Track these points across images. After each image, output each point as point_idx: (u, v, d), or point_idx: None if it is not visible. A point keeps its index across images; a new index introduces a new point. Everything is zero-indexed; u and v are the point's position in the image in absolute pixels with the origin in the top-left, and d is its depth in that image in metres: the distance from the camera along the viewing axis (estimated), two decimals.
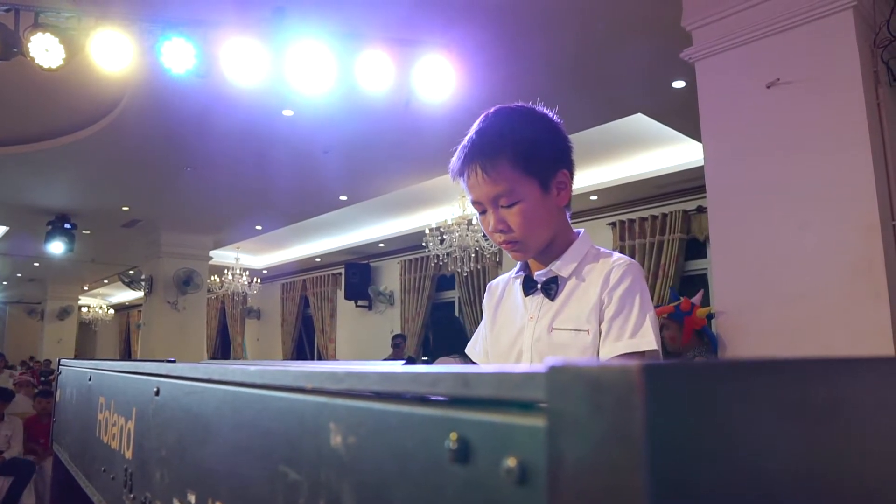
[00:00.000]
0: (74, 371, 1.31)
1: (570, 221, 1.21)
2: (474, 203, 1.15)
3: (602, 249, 1.19)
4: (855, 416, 0.24)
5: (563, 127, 1.17)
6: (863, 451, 0.24)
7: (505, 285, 1.28)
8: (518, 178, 1.09)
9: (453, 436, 0.25)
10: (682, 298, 4.25)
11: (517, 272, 1.23)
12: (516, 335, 1.18)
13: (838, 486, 0.23)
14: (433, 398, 0.27)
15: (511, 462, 0.23)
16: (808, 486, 0.21)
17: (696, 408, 0.19)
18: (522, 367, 0.23)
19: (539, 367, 0.22)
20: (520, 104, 1.17)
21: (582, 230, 1.21)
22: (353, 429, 0.32)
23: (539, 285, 1.17)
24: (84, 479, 1.04)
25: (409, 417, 0.28)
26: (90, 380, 1.10)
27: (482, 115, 1.16)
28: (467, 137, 1.13)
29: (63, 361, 1.50)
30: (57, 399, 1.52)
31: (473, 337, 1.34)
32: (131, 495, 0.74)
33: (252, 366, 0.45)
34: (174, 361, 0.87)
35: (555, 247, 1.17)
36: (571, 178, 1.17)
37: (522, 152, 1.09)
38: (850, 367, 0.24)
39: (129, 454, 0.77)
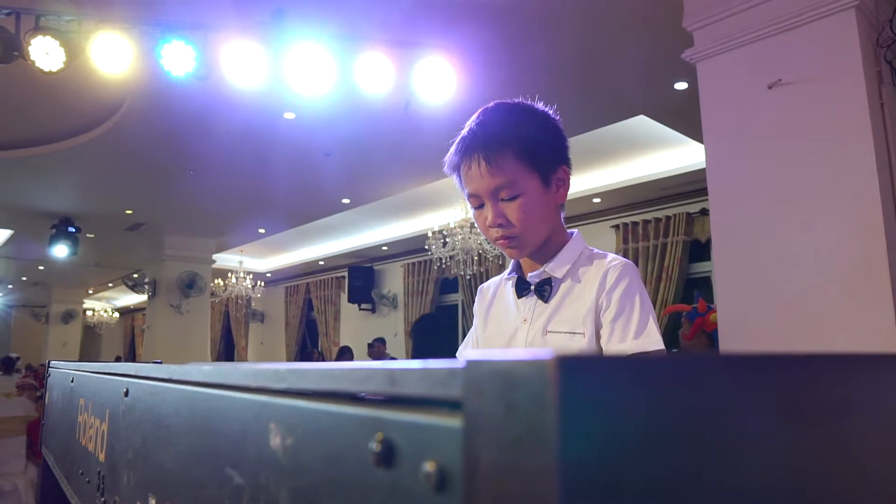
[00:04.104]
0: (61, 373, 1.30)
1: (563, 222, 1.19)
2: (471, 196, 1.11)
3: (595, 250, 1.17)
4: (826, 416, 0.22)
5: (561, 124, 1.15)
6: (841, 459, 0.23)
7: (496, 287, 1.26)
8: (521, 171, 1.06)
9: (378, 437, 0.24)
10: (700, 300, 4.42)
11: (509, 273, 1.21)
12: (510, 338, 1.16)
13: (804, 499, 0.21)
14: (366, 396, 0.26)
15: (430, 466, 0.21)
16: (761, 498, 0.19)
17: (623, 406, 0.17)
18: (446, 361, 0.21)
19: (458, 361, 0.20)
20: (519, 100, 1.15)
21: (575, 231, 1.19)
22: (291, 429, 0.30)
23: (532, 286, 1.14)
24: (65, 481, 1.03)
25: (341, 417, 0.27)
26: (72, 381, 1.09)
27: (481, 109, 1.13)
28: (466, 129, 1.11)
29: (52, 363, 1.48)
30: (46, 402, 1.50)
31: (463, 342, 1.32)
32: (102, 499, 0.72)
33: (207, 365, 0.43)
34: (160, 363, 0.86)
35: (549, 247, 1.14)
36: (569, 174, 1.15)
37: (527, 146, 1.07)
38: (812, 363, 0.22)
39: (102, 456, 0.76)
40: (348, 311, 10.92)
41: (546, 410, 0.16)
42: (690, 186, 6.05)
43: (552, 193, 1.11)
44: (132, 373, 0.66)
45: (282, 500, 0.30)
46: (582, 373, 0.17)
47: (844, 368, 0.24)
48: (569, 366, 0.17)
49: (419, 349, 3.95)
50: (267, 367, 0.33)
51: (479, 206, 1.11)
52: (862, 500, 0.23)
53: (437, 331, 4.06)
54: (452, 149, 1.12)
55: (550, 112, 1.15)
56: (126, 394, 0.66)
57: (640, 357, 0.18)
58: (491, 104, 1.14)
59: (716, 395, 0.19)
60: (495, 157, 1.06)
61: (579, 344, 1.07)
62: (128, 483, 0.62)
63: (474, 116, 1.13)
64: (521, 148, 1.07)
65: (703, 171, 3.26)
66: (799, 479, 0.21)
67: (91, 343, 18.00)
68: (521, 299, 1.16)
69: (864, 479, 0.23)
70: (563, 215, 1.18)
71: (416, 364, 0.22)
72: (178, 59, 3.44)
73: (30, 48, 3.31)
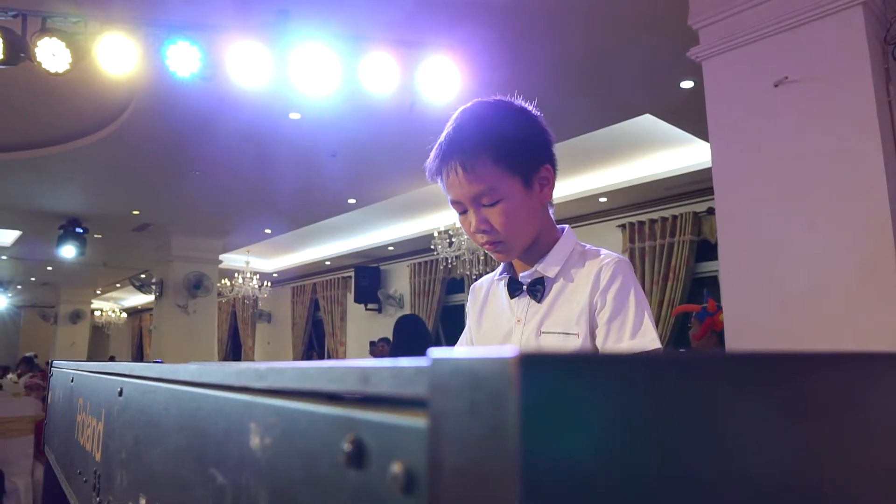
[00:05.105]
0: (63, 373, 1.30)
1: (553, 218, 1.16)
2: (453, 203, 1.09)
3: (588, 247, 1.14)
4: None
5: (542, 120, 1.12)
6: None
7: (489, 286, 1.24)
8: (500, 175, 1.04)
9: (350, 437, 0.23)
10: (710, 300, 4.40)
11: (501, 273, 1.19)
12: (504, 338, 1.14)
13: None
14: (341, 395, 0.25)
15: (397, 468, 0.20)
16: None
17: (589, 405, 0.16)
18: (416, 360, 0.21)
19: (426, 359, 0.20)
20: (497, 98, 1.11)
21: (566, 227, 1.17)
22: (269, 429, 0.30)
23: (525, 287, 1.13)
24: (65, 481, 1.03)
25: (316, 416, 0.26)
26: (72, 381, 1.09)
27: (458, 111, 1.10)
28: (443, 134, 1.08)
29: (55, 363, 1.48)
30: (49, 401, 1.51)
31: (458, 342, 1.30)
32: (98, 499, 0.72)
33: (194, 364, 0.43)
34: (160, 363, 0.86)
35: (539, 246, 1.12)
36: (554, 172, 1.12)
37: (503, 148, 1.04)
38: (792, 361, 0.22)
39: (98, 456, 0.76)
40: (355, 311, 10.94)
41: (508, 410, 0.16)
42: (697, 185, 6.02)
43: (536, 194, 1.09)
44: (126, 372, 0.66)
45: (260, 501, 0.30)
46: (546, 371, 0.16)
47: (833, 368, 0.23)
48: (532, 364, 0.16)
49: (397, 350, 4.00)
50: (248, 366, 0.33)
51: (462, 212, 1.10)
52: (864, 500, 0.23)
53: (418, 332, 4.09)
54: (431, 155, 1.09)
55: (531, 108, 1.11)
56: (120, 393, 0.66)
57: (607, 355, 0.17)
58: (469, 104, 1.11)
59: (691, 394, 0.18)
60: (472, 165, 1.03)
61: (573, 345, 1.06)
62: (121, 483, 0.61)
63: (451, 119, 1.09)
64: (499, 152, 1.04)
65: (709, 170, 3.24)
66: (790, 479, 0.21)
67: (99, 343, 18.09)
68: (513, 299, 1.15)
69: (865, 479, 0.23)
70: (552, 212, 1.16)
71: (387, 363, 0.22)
72: (183, 59, 3.45)
73: (36, 50, 3.32)
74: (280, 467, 0.29)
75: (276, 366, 0.30)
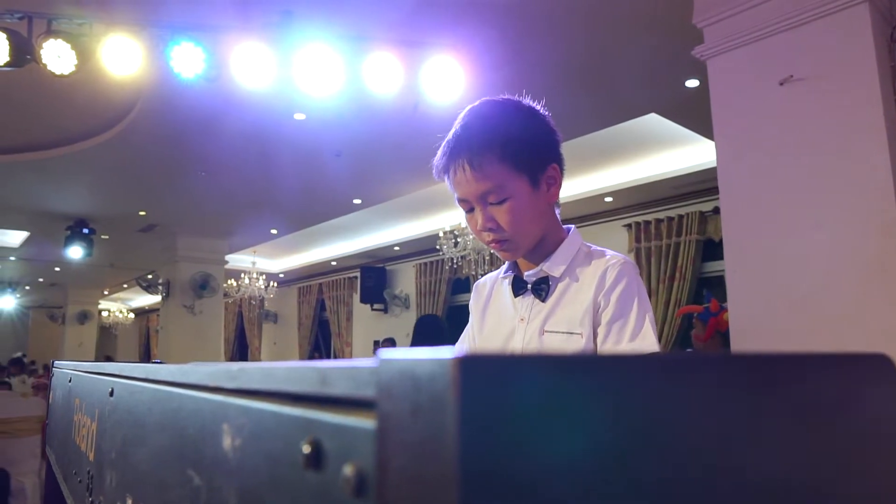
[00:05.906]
0: (62, 373, 1.30)
1: (559, 218, 1.17)
2: (460, 201, 1.09)
3: (594, 247, 1.14)
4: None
5: (550, 119, 1.12)
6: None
7: (492, 284, 1.24)
8: (507, 174, 1.04)
9: (308, 438, 0.23)
10: (713, 300, 4.37)
11: (505, 272, 1.19)
12: (507, 337, 1.14)
13: None
14: (304, 396, 0.25)
15: (349, 470, 0.20)
16: None
17: (534, 408, 0.16)
18: (368, 361, 0.20)
19: (373, 360, 0.19)
20: (505, 97, 1.11)
21: (572, 227, 1.17)
22: (239, 430, 0.30)
23: (529, 286, 1.13)
24: (63, 481, 1.03)
25: (280, 417, 0.26)
26: (70, 381, 1.09)
27: (466, 110, 1.10)
28: (451, 132, 1.08)
29: (56, 363, 1.49)
30: (50, 401, 1.52)
31: (460, 339, 1.30)
32: (90, 499, 0.72)
33: (176, 364, 0.43)
34: (160, 363, 0.86)
35: (545, 245, 1.12)
36: (561, 172, 1.12)
37: (511, 147, 1.04)
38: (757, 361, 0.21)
39: (91, 456, 0.76)
40: (360, 311, 10.95)
41: (447, 413, 0.16)
42: (703, 185, 5.99)
43: (543, 193, 1.09)
44: (116, 372, 0.66)
45: (230, 503, 0.30)
46: (487, 373, 0.16)
47: (832, 368, 0.23)
48: (472, 366, 0.16)
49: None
50: (221, 366, 0.33)
51: (469, 210, 1.10)
52: (863, 500, 0.22)
53: (437, 332, 4.09)
54: (439, 152, 1.10)
55: (538, 108, 1.12)
56: (111, 393, 0.66)
57: (551, 356, 0.17)
58: (476, 103, 1.11)
59: (644, 397, 0.18)
60: (479, 163, 1.03)
61: (577, 345, 1.06)
62: (110, 483, 0.62)
63: (459, 118, 1.10)
64: (506, 151, 1.04)
65: (715, 169, 3.22)
66: (789, 479, 0.20)
67: (106, 344, 18.17)
68: (517, 298, 1.15)
69: (865, 480, 0.22)
70: (558, 212, 1.16)
71: (345, 363, 0.22)
72: (187, 60, 3.46)
73: (42, 52, 3.34)
74: (248, 468, 0.28)
75: (246, 366, 0.30)
